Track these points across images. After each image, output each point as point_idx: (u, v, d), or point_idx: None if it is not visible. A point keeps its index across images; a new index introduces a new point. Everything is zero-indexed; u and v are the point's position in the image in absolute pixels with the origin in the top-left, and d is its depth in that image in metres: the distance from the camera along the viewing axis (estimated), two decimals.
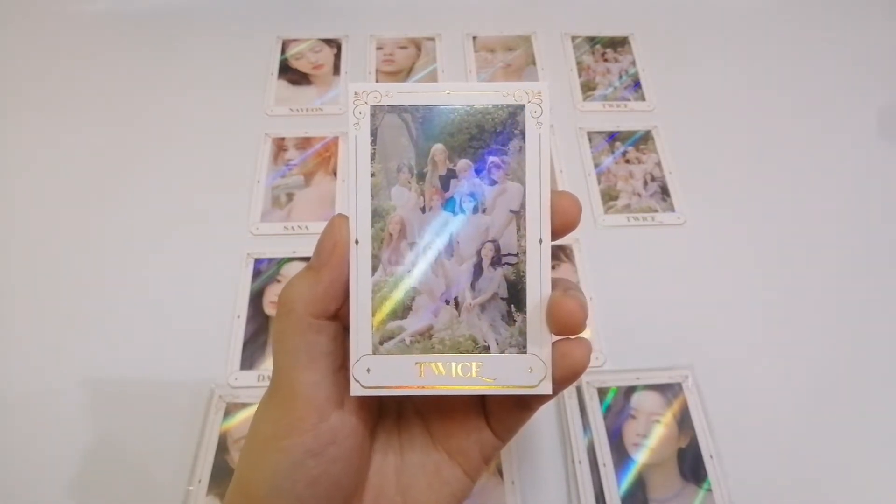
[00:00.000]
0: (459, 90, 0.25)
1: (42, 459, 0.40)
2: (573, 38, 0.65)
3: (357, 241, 0.25)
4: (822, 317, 0.47)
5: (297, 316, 0.24)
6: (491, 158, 0.25)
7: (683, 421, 0.42)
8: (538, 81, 0.25)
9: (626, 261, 0.50)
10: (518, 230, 0.25)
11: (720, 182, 0.54)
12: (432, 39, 0.64)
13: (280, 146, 0.56)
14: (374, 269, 0.25)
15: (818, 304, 0.48)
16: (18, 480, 0.40)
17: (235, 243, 0.50)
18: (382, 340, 0.25)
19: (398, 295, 0.25)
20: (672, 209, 0.53)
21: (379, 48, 0.63)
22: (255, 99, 0.59)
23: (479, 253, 0.25)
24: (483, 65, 0.62)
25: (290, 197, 0.53)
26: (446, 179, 0.25)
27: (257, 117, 0.58)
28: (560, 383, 0.25)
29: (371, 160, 0.25)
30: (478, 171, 0.25)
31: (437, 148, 0.25)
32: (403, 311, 0.25)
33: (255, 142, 0.56)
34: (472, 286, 0.25)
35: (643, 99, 0.60)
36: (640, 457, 0.40)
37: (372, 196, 0.25)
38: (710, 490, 0.39)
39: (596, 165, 0.55)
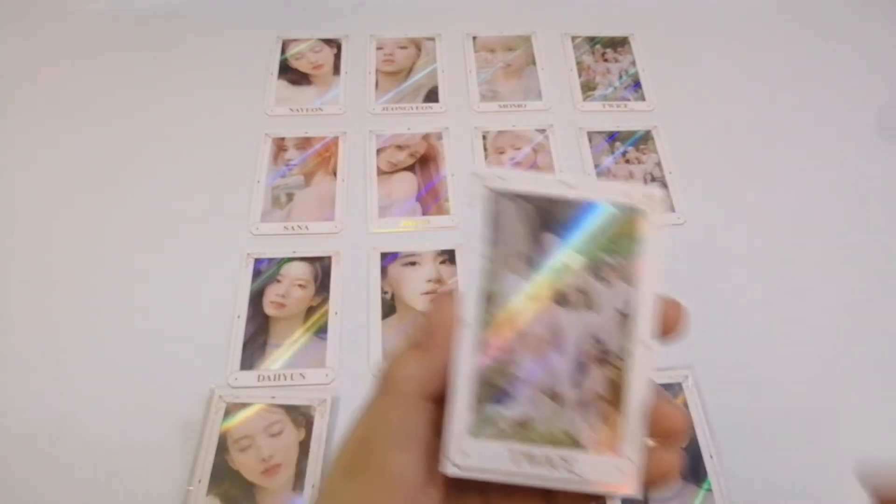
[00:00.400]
0: (581, 185, 0.25)
1: (42, 459, 0.40)
2: (573, 38, 0.65)
3: (465, 323, 0.25)
4: (822, 316, 0.47)
5: (404, 396, 0.24)
6: (604, 257, 0.25)
7: None
8: (653, 188, 0.25)
9: None
10: (624, 332, 0.25)
11: (720, 182, 0.54)
12: (432, 39, 0.64)
13: (280, 146, 0.56)
14: (479, 352, 0.25)
15: (818, 303, 0.47)
16: (19, 480, 0.40)
17: (235, 243, 0.50)
18: (480, 425, 0.25)
19: (500, 381, 0.25)
20: (672, 209, 0.53)
21: (379, 48, 0.63)
22: (255, 99, 0.59)
23: (583, 350, 0.25)
24: (483, 65, 0.62)
25: (290, 197, 0.53)
26: (560, 274, 0.25)
27: (257, 117, 0.58)
28: (647, 489, 0.25)
29: (485, 243, 0.25)
30: (590, 269, 0.25)
31: (553, 239, 0.25)
32: (504, 397, 0.25)
33: (255, 142, 0.56)
34: (574, 382, 0.25)
35: (643, 99, 0.60)
36: None
37: (483, 279, 0.25)
38: (710, 490, 0.39)
39: (596, 165, 0.55)
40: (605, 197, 0.25)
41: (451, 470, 0.24)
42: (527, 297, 0.25)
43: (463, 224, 0.26)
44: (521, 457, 0.25)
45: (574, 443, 0.25)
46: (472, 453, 0.24)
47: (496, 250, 0.25)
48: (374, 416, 0.24)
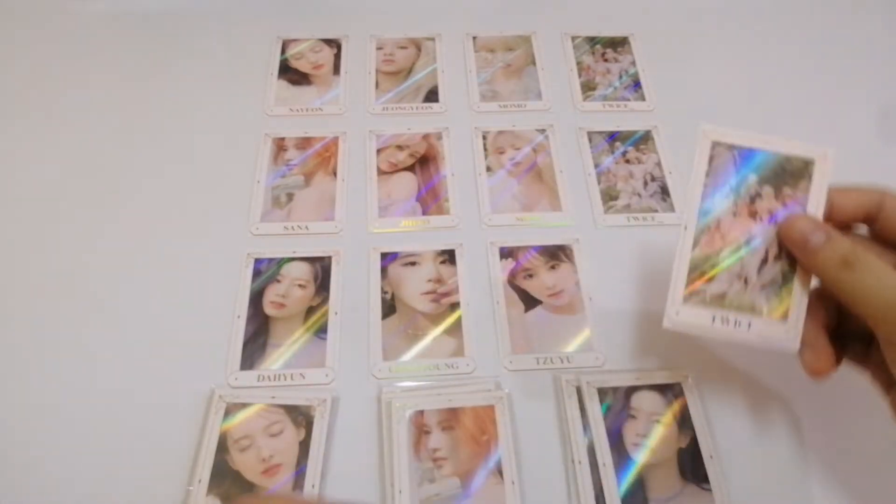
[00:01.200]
0: (772, 142, 0.37)
1: (42, 459, 0.40)
2: (573, 38, 0.65)
3: (685, 228, 0.36)
4: None
5: None
6: (786, 189, 0.36)
7: (683, 421, 0.42)
8: (825, 148, 0.37)
9: (626, 261, 0.50)
10: None
11: None
12: (432, 39, 0.64)
13: (280, 146, 0.56)
14: (693, 248, 0.36)
15: None
16: (18, 480, 0.40)
17: (235, 243, 0.50)
18: (690, 295, 0.36)
19: (707, 268, 0.36)
20: (672, 209, 0.53)
21: (379, 48, 0.63)
22: (255, 99, 0.59)
23: (767, 250, 0.36)
24: (483, 65, 0.62)
25: (290, 197, 0.53)
26: (754, 198, 0.36)
27: (257, 117, 0.58)
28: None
29: (705, 176, 0.37)
30: (776, 196, 0.36)
31: (752, 177, 0.37)
32: (709, 279, 0.36)
33: (255, 142, 0.56)
34: (759, 270, 0.36)
35: (643, 99, 0.60)
36: (640, 457, 0.40)
37: (702, 199, 0.36)
38: (710, 490, 0.39)
39: (596, 165, 0.55)
40: (790, 150, 0.37)
41: (666, 324, 0.36)
42: (730, 212, 0.37)
43: (692, 165, 0.37)
44: (717, 319, 0.36)
45: (756, 311, 0.36)
46: (682, 314, 0.36)
47: (712, 180, 0.37)
48: None
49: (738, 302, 0.36)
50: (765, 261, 0.36)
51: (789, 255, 0.35)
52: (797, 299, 0.35)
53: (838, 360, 0.35)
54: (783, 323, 0.35)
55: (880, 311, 0.32)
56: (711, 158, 0.37)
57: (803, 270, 0.35)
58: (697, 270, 0.36)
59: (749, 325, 0.36)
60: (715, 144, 0.37)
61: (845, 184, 0.36)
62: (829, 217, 0.36)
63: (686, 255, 0.36)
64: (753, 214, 0.36)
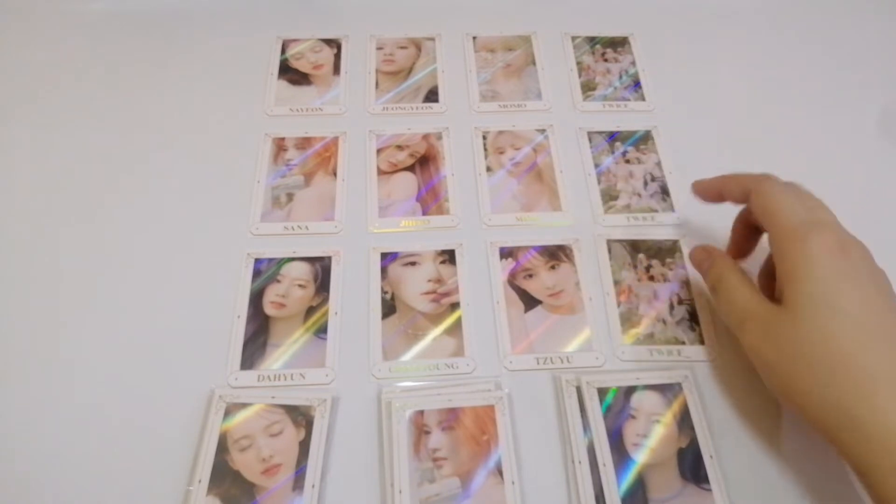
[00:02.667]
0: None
1: (41, 459, 0.40)
2: (573, 38, 0.65)
3: (603, 292, 0.49)
4: None
5: None
6: (668, 259, 0.50)
7: (683, 421, 0.42)
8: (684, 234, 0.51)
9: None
10: (688, 286, 0.49)
11: None
12: (432, 39, 0.64)
13: (280, 146, 0.56)
14: (618, 303, 0.48)
15: None
16: (18, 480, 0.40)
17: (235, 243, 0.50)
18: (628, 339, 0.46)
19: (633, 317, 0.47)
20: (672, 209, 0.53)
21: (379, 48, 0.63)
22: (255, 99, 0.59)
23: (671, 299, 0.48)
24: (483, 65, 0.62)
25: (290, 197, 0.53)
26: (647, 268, 0.50)
27: (257, 117, 0.58)
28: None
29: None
30: (663, 264, 0.50)
31: (643, 258, 0.50)
32: (636, 325, 0.47)
33: (255, 142, 0.56)
34: (671, 313, 0.47)
35: (643, 99, 0.60)
36: (640, 457, 0.40)
37: (613, 273, 0.50)
38: (710, 490, 0.39)
39: (596, 165, 0.55)
40: (661, 235, 0.51)
41: (609, 366, 0.45)
42: (635, 277, 0.49)
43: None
44: (652, 351, 0.45)
45: (680, 342, 0.46)
46: (627, 352, 0.45)
47: (617, 262, 0.49)
48: None
49: (665, 336, 0.46)
50: (672, 306, 0.47)
51: (689, 298, 0.47)
52: (705, 328, 0.46)
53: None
54: (702, 347, 0.45)
55: (732, 326, 0.40)
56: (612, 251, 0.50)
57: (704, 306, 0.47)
58: (625, 321, 0.46)
59: (679, 352, 0.45)
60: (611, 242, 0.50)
61: (737, 172, 0.44)
62: (721, 197, 0.44)
63: (613, 310, 0.47)
64: (651, 279, 0.48)
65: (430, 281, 0.48)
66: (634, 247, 0.50)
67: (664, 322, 0.46)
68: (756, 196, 0.40)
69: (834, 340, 0.33)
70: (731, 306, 0.40)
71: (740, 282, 0.40)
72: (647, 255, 0.50)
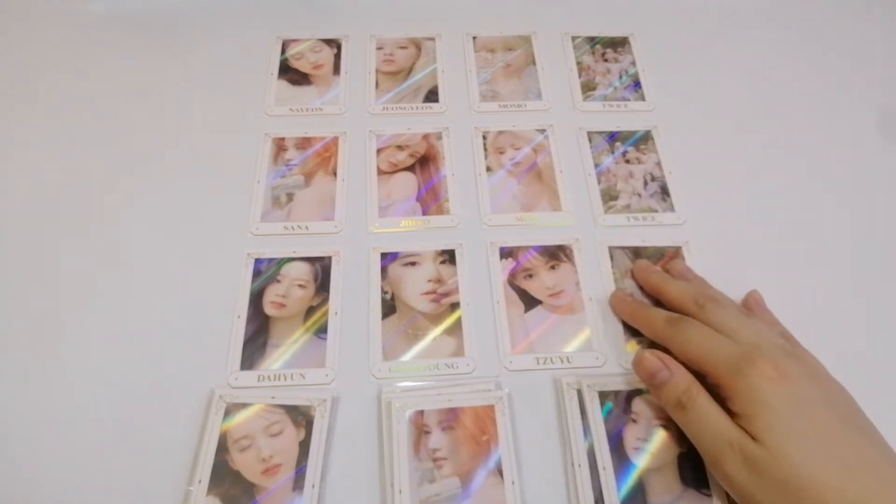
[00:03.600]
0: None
1: (41, 459, 0.40)
2: (573, 38, 0.65)
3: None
4: (822, 317, 0.46)
5: None
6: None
7: None
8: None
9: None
10: None
11: (720, 182, 0.54)
12: (432, 39, 0.64)
13: (280, 146, 0.56)
14: None
15: (817, 304, 0.48)
16: (18, 480, 0.40)
17: (235, 243, 0.50)
18: None
19: None
20: (672, 209, 0.53)
21: (379, 48, 0.63)
22: (255, 99, 0.59)
23: None
24: (483, 65, 0.62)
25: (290, 197, 0.53)
26: None
27: (257, 117, 0.58)
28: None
29: None
30: None
31: None
32: None
33: (255, 142, 0.56)
34: None
35: (643, 99, 0.60)
36: (641, 461, 0.40)
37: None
38: (709, 496, 0.39)
39: (596, 165, 0.55)
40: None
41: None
42: (636, 285, 0.49)
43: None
44: None
45: None
46: (628, 358, 0.43)
47: (619, 269, 0.50)
48: None
49: None
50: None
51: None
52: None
53: None
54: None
55: (707, 453, 0.36)
56: None
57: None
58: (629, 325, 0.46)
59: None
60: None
61: (646, 307, 0.45)
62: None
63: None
64: None
65: (430, 281, 0.48)
66: (637, 254, 0.50)
67: None
68: (674, 347, 0.40)
69: (805, 466, 0.32)
70: (705, 434, 0.36)
71: (710, 404, 0.36)
72: (649, 261, 0.50)
